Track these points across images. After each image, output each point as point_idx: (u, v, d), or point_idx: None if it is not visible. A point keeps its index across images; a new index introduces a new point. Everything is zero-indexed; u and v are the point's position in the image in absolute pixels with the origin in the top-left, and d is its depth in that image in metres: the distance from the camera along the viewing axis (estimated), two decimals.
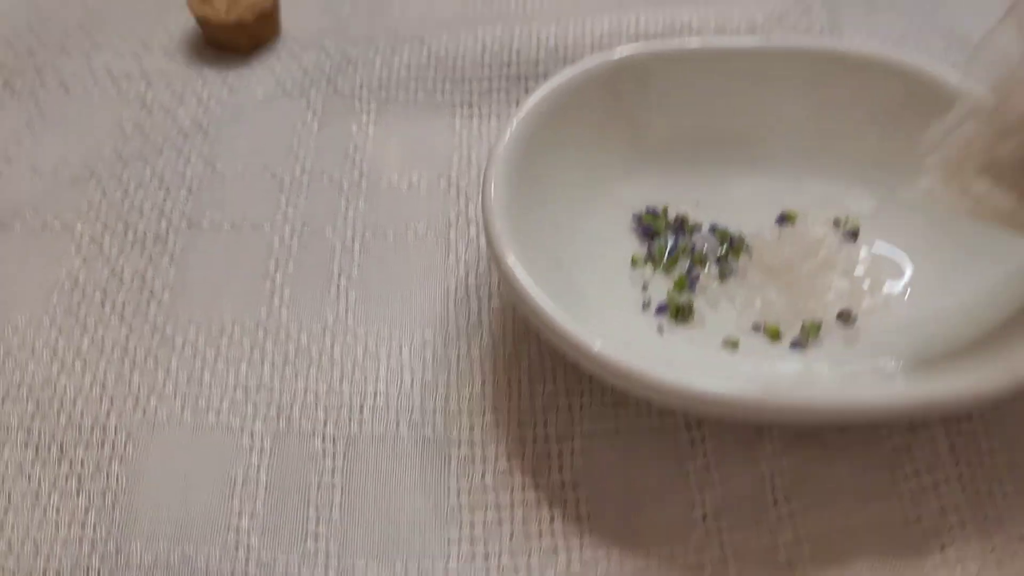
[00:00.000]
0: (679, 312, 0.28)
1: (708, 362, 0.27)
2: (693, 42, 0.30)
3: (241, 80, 0.37)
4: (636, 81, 0.30)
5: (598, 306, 0.28)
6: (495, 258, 0.25)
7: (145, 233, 0.32)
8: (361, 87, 0.37)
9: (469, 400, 0.28)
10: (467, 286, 0.31)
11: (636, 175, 0.31)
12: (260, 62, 0.38)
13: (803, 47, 0.31)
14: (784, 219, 0.30)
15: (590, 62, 0.29)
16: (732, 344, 0.28)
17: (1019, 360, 0.23)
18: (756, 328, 0.28)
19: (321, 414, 0.28)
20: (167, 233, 0.32)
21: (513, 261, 0.24)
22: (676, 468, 0.27)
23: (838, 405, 0.22)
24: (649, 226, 0.30)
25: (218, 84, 0.37)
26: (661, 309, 0.28)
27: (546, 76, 0.36)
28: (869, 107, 0.30)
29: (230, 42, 0.38)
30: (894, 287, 0.29)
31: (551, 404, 0.28)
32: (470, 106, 0.36)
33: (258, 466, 0.27)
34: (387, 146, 0.35)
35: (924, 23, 0.39)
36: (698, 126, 0.31)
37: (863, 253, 0.30)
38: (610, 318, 0.27)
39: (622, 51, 0.30)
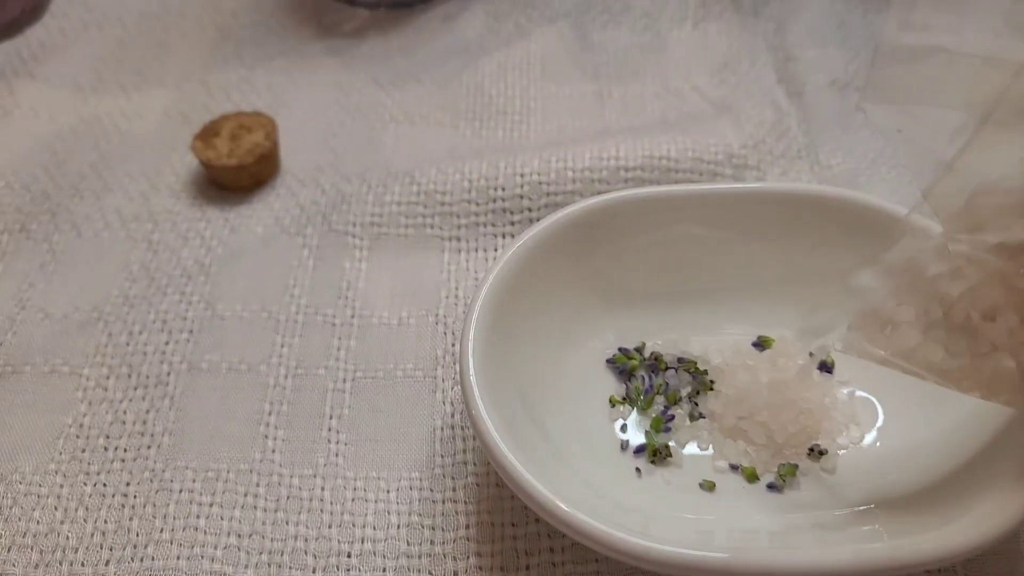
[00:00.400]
0: (656, 454, 0.29)
1: (683, 508, 0.28)
2: (661, 189, 0.32)
3: (241, 219, 0.39)
4: (607, 226, 0.32)
5: (576, 451, 0.29)
6: (469, 415, 0.26)
7: (148, 376, 0.34)
8: (354, 224, 0.39)
9: (454, 543, 0.29)
10: (452, 425, 0.32)
11: (614, 315, 0.32)
12: (260, 200, 0.40)
13: (769, 190, 0.32)
14: (760, 345, 0.31)
15: (561, 214, 0.31)
16: (709, 486, 0.28)
17: (998, 514, 0.23)
18: (734, 468, 0.29)
19: (311, 560, 0.29)
20: (168, 376, 0.34)
21: (484, 417, 0.25)
22: None
23: (804, 570, 0.23)
24: (623, 366, 0.31)
25: (220, 223, 0.39)
26: (639, 450, 0.29)
27: (529, 210, 0.38)
28: (841, 245, 0.32)
29: (232, 182, 0.40)
30: (870, 422, 0.30)
31: (533, 547, 0.29)
32: (458, 240, 0.38)
33: None
34: (379, 282, 0.37)
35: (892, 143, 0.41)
36: (672, 265, 0.33)
37: (837, 388, 0.31)
38: (587, 463, 0.28)
39: (590, 202, 0.31)
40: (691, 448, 0.30)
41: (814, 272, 0.32)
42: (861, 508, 0.27)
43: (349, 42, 0.48)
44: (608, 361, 0.31)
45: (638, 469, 0.29)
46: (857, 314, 0.25)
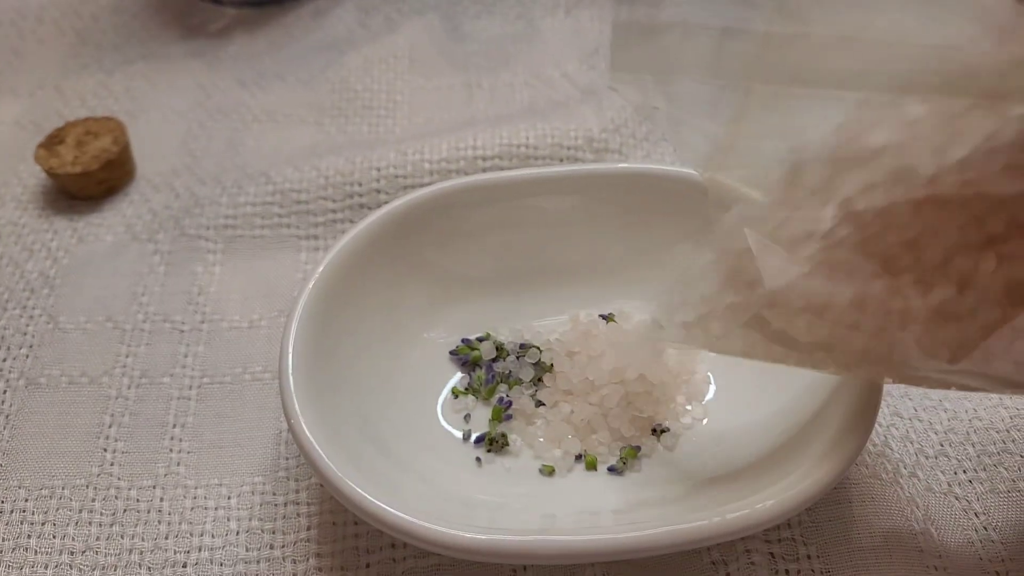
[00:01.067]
0: (493, 443, 0.29)
1: (522, 495, 0.27)
2: (480, 177, 0.32)
3: (91, 228, 0.38)
4: (436, 218, 0.31)
5: (413, 447, 0.28)
6: (289, 427, 0.25)
7: None
8: (207, 227, 0.37)
9: (295, 545, 0.28)
10: None
11: (456, 307, 0.32)
12: (112, 207, 0.39)
13: (590, 170, 0.32)
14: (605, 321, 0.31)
15: (380, 213, 0.31)
16: (548, 471, 0.28)
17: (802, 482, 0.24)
18: (578, 457, 0.29)
19: (145, 573, 0.28)
20: (4, 394, 0.32)
21: (297, 421, 0.25)
22: None
23: (597, 548, 0.22)
24: (465, 357, 0.31)
25: (68, 233, 0.38)
26: (479, 440, 0.29)
27: (387, 203, 0.38)
28: (675, 222, 0.32)
29: (79, 191, 0.38)
30: (707, 398, 0.30)
31: (374, 544, 0.28)
32: (315, 238, 0.37)
33: None
34: (231, 285, 0.36)
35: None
36: (512, 253, 0.32)
37: (680, 365, 0.30)
38: (425, 459, 0.28)
39: (409, 197, 0.31)
40: (533, 434, 0.29)
41: (657, 251, 0.32)
42: (698, 482, 0.27)
43: (214, 43, 0.47)
44: (451, 353, 0.31)
45: (478, 459, 0.29)
46: (676, 303, 0.25)
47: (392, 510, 0.23)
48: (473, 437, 0.29)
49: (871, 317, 0.21)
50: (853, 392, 0.25)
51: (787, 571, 0.27)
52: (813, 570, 0.27)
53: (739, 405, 0.29)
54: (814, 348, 0.22)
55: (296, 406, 0.25)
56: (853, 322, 0.21)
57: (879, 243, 0.21)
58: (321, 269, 0.29)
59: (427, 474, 0.27)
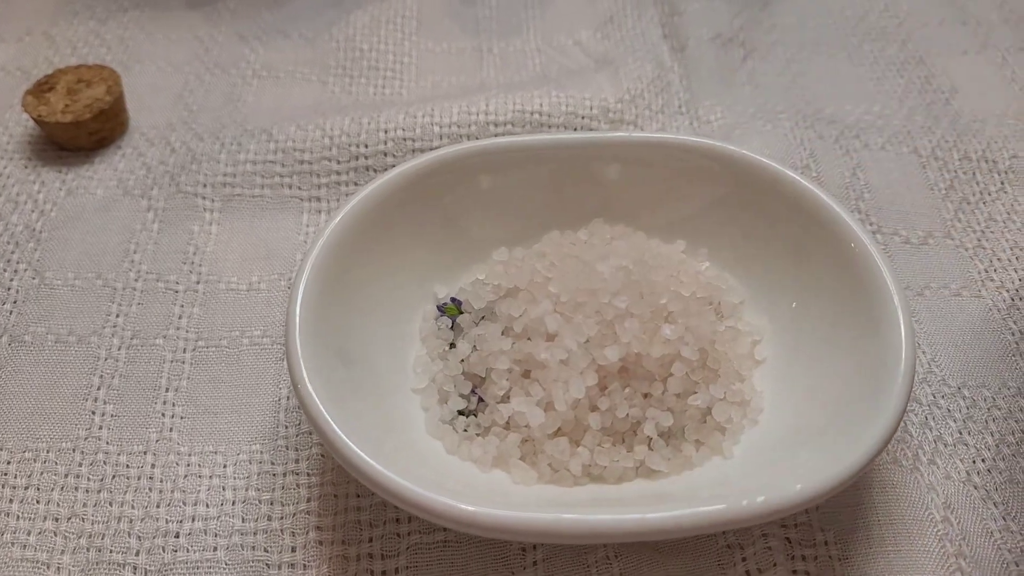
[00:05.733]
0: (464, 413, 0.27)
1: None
2: (504, 140, 0.30)
3: (80, 180, 0.36)
4: (452, 180, 0.30)
5: (412, 414, 0.27)
6: (292, 381, 0.24)
7: None
8: (205, 184, 0.36)
9: (293, 517, 0.27)
10: None
11: (460, 272, 0.31)
12: (104, 160, 0.37)
13: (618, 139, 0.31)
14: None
15: (402, 167, 0.29)
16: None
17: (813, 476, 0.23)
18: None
19: (134, 543, 0.26)
20: None
21: (307, 390, 0.23)
22: None
23: (614, 530, 0.21)
24: (453, 318, 0.29)
25: (56, 185, 0.36)
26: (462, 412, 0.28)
27: (394, 167, 0.36)
28: (688, 189, 0.31)
29: (69, 141, 0.37)
30: (747, 367, 0.29)
31: (378, 518, 0.27)
32: (318, 200, 0.36)
33: None
34: (229, 246, 0.34)
35: (777, 97, 0.40)
36: (521, 219, 0.31)
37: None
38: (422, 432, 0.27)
39: (433, 154, 0.30)
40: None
41: (670, 222, 0.31)
42: (724, 463, 0.26)
43: None
44: (439, 309, 0.30)
45: (465, 429, 0.27)
46: None
47: (417, 488, 0.22)
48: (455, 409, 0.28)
49: None
50: (883, 375, 0.24)
51: (803, 556, 0.26)
52: (830, 556, 0.26)
53: (790, 395, 0.27)
54: None
55: (306, 379, 0.24)
56: None
57: None
58: (331, 228, 0.27)
59: (424, 450, 0.26)
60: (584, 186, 0.31)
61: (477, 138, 0.36)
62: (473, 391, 0.27)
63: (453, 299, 0.30)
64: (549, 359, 0.26)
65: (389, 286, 0.29)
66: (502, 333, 0.28)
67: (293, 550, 0.26)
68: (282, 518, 0.27)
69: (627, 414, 0.26)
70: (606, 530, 0.22)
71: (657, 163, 0.30)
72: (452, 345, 0.29)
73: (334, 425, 0.23)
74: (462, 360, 0.28)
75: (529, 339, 0.27)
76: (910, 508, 0.27)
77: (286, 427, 0.29)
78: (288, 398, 0.30)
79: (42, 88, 0.37)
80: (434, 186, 0.30)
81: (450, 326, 0.29)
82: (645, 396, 0.26)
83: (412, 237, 0.30)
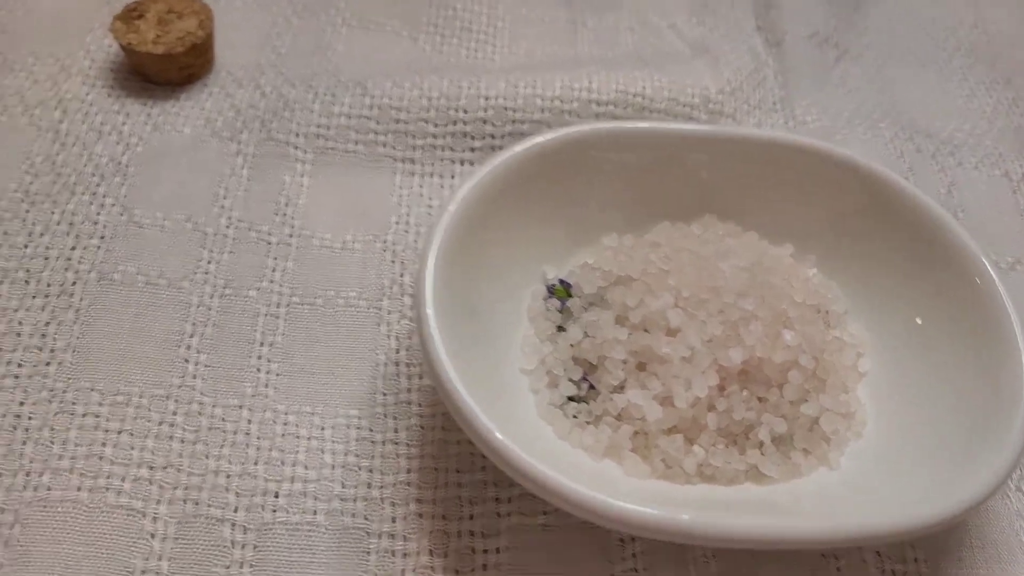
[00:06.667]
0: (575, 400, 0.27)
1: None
2: (641, 124, 0.30)
3: (167, 116, 0.35)
4: (575, 159, 0.29)
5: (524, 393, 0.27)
6: (427, 359, 0.23)
7: (49, 284, 0.29)
8: (297, 134, 0.35)
9: (393, 488, 0.27)
10: (396, 361, 0.29)
11: (567, 254, 0.30)
12: (189, 97, 0.36)
13: (747, 136, 0.30)
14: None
15: (536, 140, 0.28)
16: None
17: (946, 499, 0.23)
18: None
19: (232, 499, 0.26)
20: (74, 285, 0.29)
21: (453, 379, 0.23)
22: (604, 569, 0.26)
23: (746, 537, 0.21)
24: (563, 300, 0.29)
25: (141, 119, 0.35)
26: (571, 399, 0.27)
27: (492, 136, 0.35)
28: (808, 194, 0.30)
29: (157, 74, 0.35)
30: (856, 382, 0.29)
31: (478, 495, 0.27)
32: (412, 162, 0.35)
33: (160, 554, 0.25)
34: (322, 200, 0.33)
35: (872, 102, 0.40)
36: (631, 205, 0.31)
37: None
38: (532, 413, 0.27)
39: (568, 131, 0.29)
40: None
41: (786, 222, 0.31)
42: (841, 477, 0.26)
43: None
44: (548, 290, 0.29)
45: (575, 415, 0.27)
46: None
47: (572, 484, 0.22)
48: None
49: None
50: (999, 412, 0.25)
51: (893, 571, 0.27)
52: (920, 573, 0.27)
53: (895, 409, 0.28)
54: None
55: (445, 362, 0.23)
56: None
57: None
58: (459, 198, 0.26)
59: (542, 432, 0.26)
60: (698, 178, 0.31)
61: (579, 115, 0.36)
62: (584, 378, 0.27)
63: (562, 281, 0.30)
64: (671, 354, 0.26)
65: (503, 261, 0.28)
66: (615, 322, 0.27)
67: (393, 520, 0.26)
68: (382, 487, 0.27)
69: (743, 417, 0.26)
70: (734, 535, 0.22)
71: (782, 164, 0.30)
72: (560, 328, 0.28)
73: (476, 409, 0.22)
74: (572, 345, 0.28)
75: (646, 331, 0.27)
76: (1001, 533, 0.28)
77: (384, 394, 0.29)
78: (386, 365, 0.29)
79: (131, 15, 0.35)
80: (558, 163, 0.29)
81: (559, 308, 0.29)
82: (760, 400, 0.26)
83: (526, 214, 0.29)
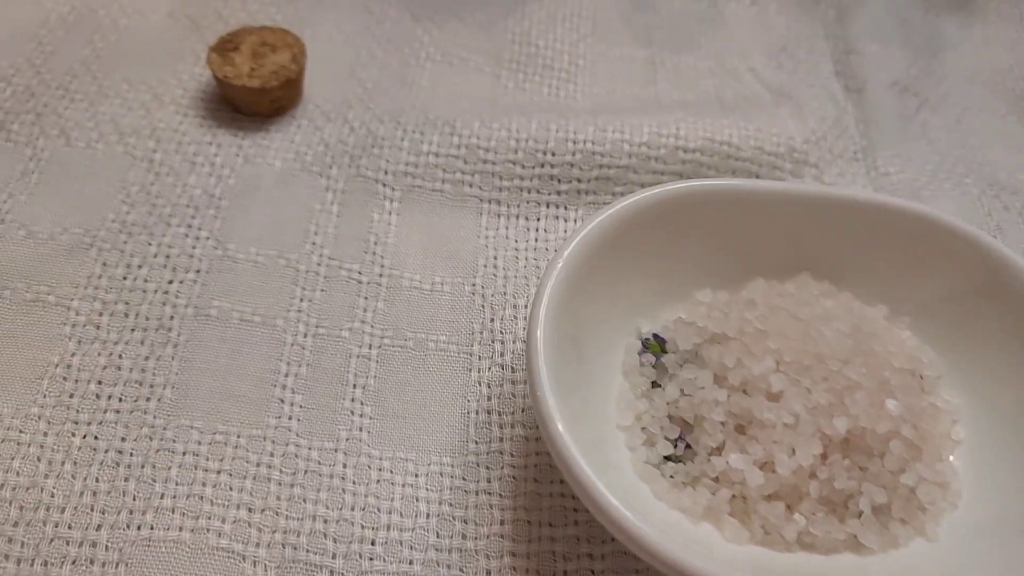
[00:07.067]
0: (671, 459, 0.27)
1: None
2: (744, 183, 0.30)
3: (257, 148, 0.35)
4: (675, 215, 0.29)
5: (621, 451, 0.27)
6: (543, 423, 0.24)
7: (147, 318, 0.30)
8: (386, 171, 0.35)
9: (487, 539, 0.27)
10: (488, 409, 0.29)
11: (660, 308, 0.30)
12: (279, 129, 0.36)
13: (846, 197, 0.30)
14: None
15: (640, 195, 0.28)
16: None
17: None
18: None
19: (330, 545, 0.26)
20: (171, 320, 0.30)
21: (561, 431, 0.23)
22: None
23: None
24: (657, 355, 0.29)
25: (233, 150, 0.35)
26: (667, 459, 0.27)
27: (579, 180, 0.35)
28: (903, 256, 0.30)
29: (248, 105, 0.35)
30: (954, 449, 0.28)
31: (571, 551, 0.27)
32: (498, 203, 0.35)
33: None
34: (410, 239, 0.33)
35: (954, 155, 0.39)
36: (732, 259, 0.31)
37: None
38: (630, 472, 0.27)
39: (673, 187, 0.29)
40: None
41: (879, 284, 0.30)
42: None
43: None
44: (643, 344, 0.29)
45: (672, 475, 0.27)
46: None
47: (664, 543, 0.22)
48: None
49: None
50: None
51: None
52: None
53: (991, 479, 0.27)
54: None
55: (559, 424, 0.23)
56: None
57: None
58: (567, 252, 0.27)
59: (636, 484, 0.26)
60: (792, 236, 0.31)
61: (665, 162, 0.36)
62: (681, 437, 0.27)
63: (656, 336, 0.30)
64: (774, 419, 0.26)
65: (599, 315, 0.28)
66: (713, 381, 0.27)
67: (488, 573, 0.26)
68: (476, 538, 0.27)
69: (844, 486, 0.26)
70: None
71: (880, 226, 0.30)
72: (655, 384, 0.29)
73: (582, 463, 0.23)
74: (669, 403, 0.28)
75: (746, 393, 0.27)
76: None
77: (476, 442, 0.29)
78: (477, 413, 0.29)
79: (226, 47, 0.36)
80: (654, 219, 0.29)
81: (652, 364, 0.29)
82: (862, 469, 0.26)
83: (621, 268, 0.29)
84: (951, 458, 0.28)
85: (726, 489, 0.26)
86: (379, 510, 0.27)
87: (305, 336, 0.30)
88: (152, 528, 0.26)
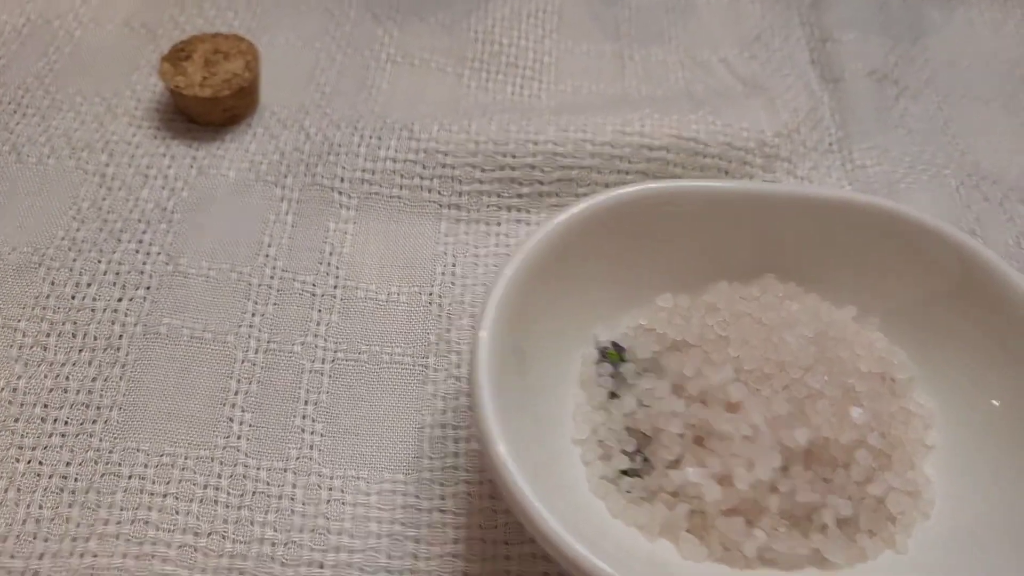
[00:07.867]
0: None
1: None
2: (704, 183, 0.29)
3: (211, 159, 0.34)
4: (635, 218, 0.28)
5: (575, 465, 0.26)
6: (484, 444, 0.23)
7: (96, 337, 0.29)
8: (342, 179, 0.34)
9: (440, 559, 0.26)
10: (443, 423, 0.29)
11: (620, 314, 0.29)
12: (234, 139, 0.35)
13: (810, 195, 0.29)
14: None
15: (596, 199, 0.28)
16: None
17: None
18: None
19: (278, 569, 0.25)
20: (120, 339, 0.29)
21: (504, 454, 0.22)
22: None
23: None
24: (615, 364, 0.28)
25: (187, 162, 0.34)
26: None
27: (541, 182, 0.34)
28: (872, 255, 0.29)
29: (201, 115, 0.35)
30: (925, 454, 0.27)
31: (527, 570, 0.26)
32: (458, 208, 0.34)
33: None
34: (366, 249, 0.33)
35: (934, 145, 0.38)
36: (694, 262, 0.30)
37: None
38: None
39: (629, 190, 0.28)
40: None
41: (845, 283, 0.29)
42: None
43: None
44: (600, 353, 0.28)
45: (629, 491, 0.26)
46: None
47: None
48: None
49: None
50: None
51: None
52: None
53: (966, 485, 0.26)
54: None
55: (500, 447, 0.22)
56: None
57: None
58: (514, 262, 0.26)
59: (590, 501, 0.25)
60: (757, 236, 0.30)
61: (630, 160, 0.35)
62: (638, 450, 0.26)
63: (615, 344, 0.29)
64: (732, 432, 0.25)
65: (554, 323, 0.28)
66: (672, 391, 0.26)
67: None
68: (428, 558, 0.26)
69: (807, 499, 0.25)
70: None
71: (847, 224, 0.29)
72: (613, 394, 0.28)
73: (535, 502, 0.22)
74: (626, 415, 0.27)
75: (705, 403, 0.26)
76: None
77: (430, 458, 0.28)
78: (432, 428, 0.28)
79: (177, 56, 0.35)
80: (612, 222, 0.28)
81: (611, 373, 0.28)
82: (825, 481, 0.25)
83: (578, 274, 0.28)
84: (924, 465, 0.27)
85: (684, 504, 0.25)
86: (329, 531, 0.26)
87: (256, 352, 0.30)
88: (95, 556, 0.25)
